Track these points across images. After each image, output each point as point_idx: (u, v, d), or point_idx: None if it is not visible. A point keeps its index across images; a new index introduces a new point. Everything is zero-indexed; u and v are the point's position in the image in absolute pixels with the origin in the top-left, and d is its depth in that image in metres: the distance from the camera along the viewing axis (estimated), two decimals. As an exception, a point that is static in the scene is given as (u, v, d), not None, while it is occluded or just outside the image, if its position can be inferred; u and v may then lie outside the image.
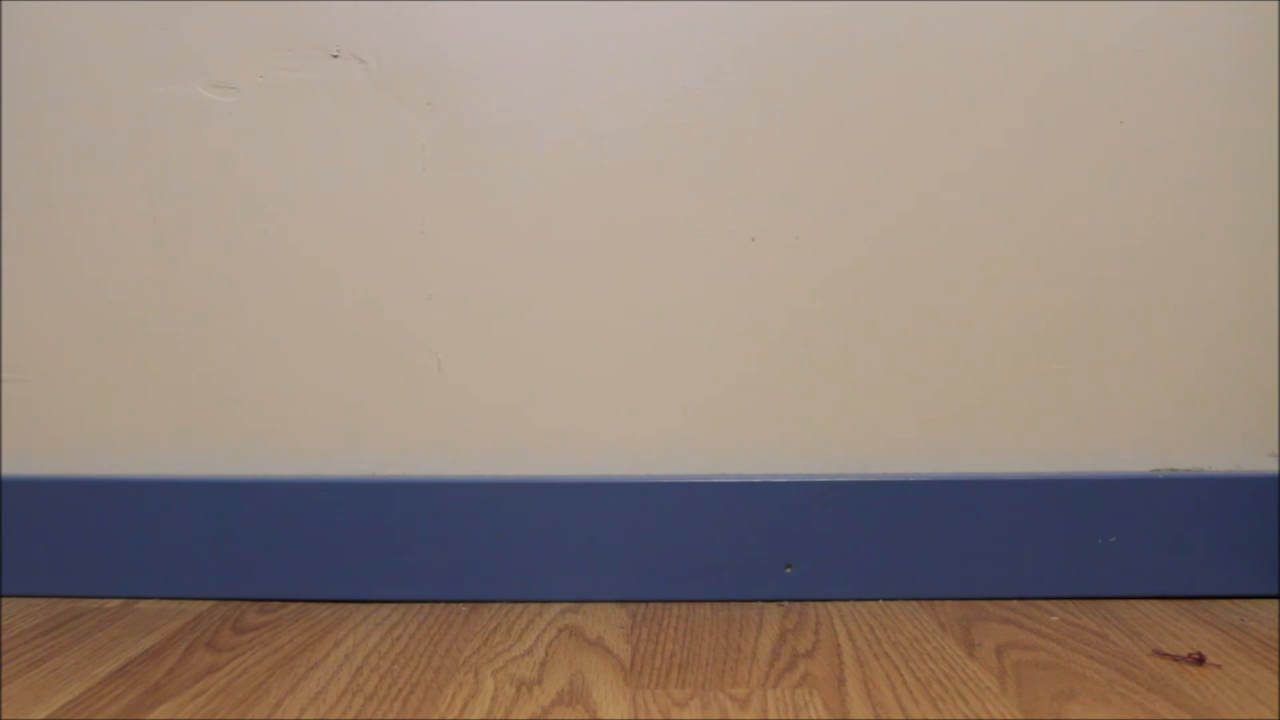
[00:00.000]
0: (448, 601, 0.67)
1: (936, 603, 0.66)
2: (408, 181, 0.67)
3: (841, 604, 0.66)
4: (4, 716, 0.51)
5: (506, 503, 0.66)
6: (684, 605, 0.66)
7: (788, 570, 0.66)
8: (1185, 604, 0.65)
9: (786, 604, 0.66)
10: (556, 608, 0.66)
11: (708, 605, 0.66)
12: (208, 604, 0.68)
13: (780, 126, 0.66)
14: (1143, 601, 0.66)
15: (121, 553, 0.68)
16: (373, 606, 0.67)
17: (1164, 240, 0.66)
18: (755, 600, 0.67)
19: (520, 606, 0.67)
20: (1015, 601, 0.66)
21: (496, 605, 0.67)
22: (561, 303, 0.67)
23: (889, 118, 0.65)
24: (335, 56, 0.66)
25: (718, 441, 0.68)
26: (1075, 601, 0.66)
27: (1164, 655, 0.57)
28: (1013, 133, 0.65)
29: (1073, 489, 0.66)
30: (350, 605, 0.67)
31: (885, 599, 0.67)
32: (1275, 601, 0.66)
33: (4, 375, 0.70)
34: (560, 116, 0.66)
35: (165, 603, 0.68)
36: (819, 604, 0.66)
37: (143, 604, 0.68)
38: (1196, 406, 0.67)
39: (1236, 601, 0.66)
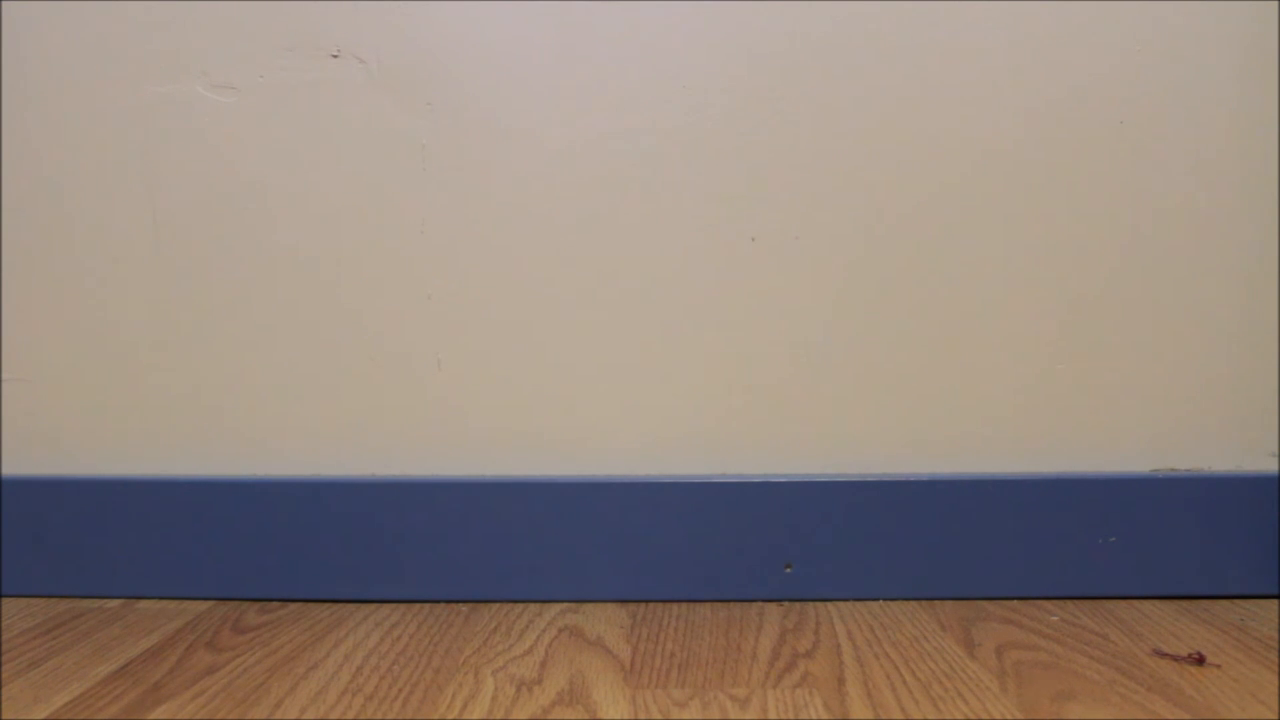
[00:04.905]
0: (448, 601, 0.67)
1: (936, 603, 0.66)
2: (408, 181, 0.67)
3: (841, 604, 0.66)
4: (4, 716, 0.51)
5: (506, 503, 0.66)
6: (684, 605, 0.66)
7: (788, 570, 0.66)
8: (1185, 604, 0.65)
9: (786, 604, 0.66)
10: (556, 608, 0.66)
11: (708, 605, 0.66)
12: (208, 604, 0.68)
13: (780, 126, 0.66)
14: (1143, 601, 0.66)
15: (121, 553, 0.68)
16: (373, 606, 0.67)
17: (1164, 240, 0.66)
18: (755, 600, 0.67)
19: (520, 606, 0.67)
20: (1015, 601, 0.66)
21: (496, 605, 0.67)
22: (561, 303, 0.67)
23: (888, 118, 0.65)
24: (335, 56, 0.66)
25: (717, 441, 0.68)
26: (1075, 601, 0.66)
27: (1164, 655, 0.57)
28: (1011, 133, 0.65)
29: (1073, 489, 0.66)
30: (350, 605, 0.67)
31: (885, 599, 0.67)
32: (1275, 601, 0.66)
33: (4, 375, 0.70)
34: (560, 116, 0.66)
35: (165, 603, 0.68)
36: (819, 604, 0.66)
37: (143, 604, 0.68)
38: (1196, 406, 0.67)
39: (1236, 601, 0.66)
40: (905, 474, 0.67)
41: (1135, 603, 0.66)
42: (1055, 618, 0.63)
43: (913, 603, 0.66)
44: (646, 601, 0.67)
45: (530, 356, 0.68)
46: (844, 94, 0.65)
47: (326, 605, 0.67)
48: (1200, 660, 0.56)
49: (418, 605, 0.67)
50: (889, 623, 0.62)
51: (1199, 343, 0.67)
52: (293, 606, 0.67)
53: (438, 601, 0.67)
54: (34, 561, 0.69)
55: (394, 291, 0.68)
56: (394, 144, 0.66)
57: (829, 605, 0.66)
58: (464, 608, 0.66)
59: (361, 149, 0.67)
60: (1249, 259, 0.66)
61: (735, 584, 0.67)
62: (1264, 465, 0.67)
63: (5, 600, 0.69)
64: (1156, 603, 0.66)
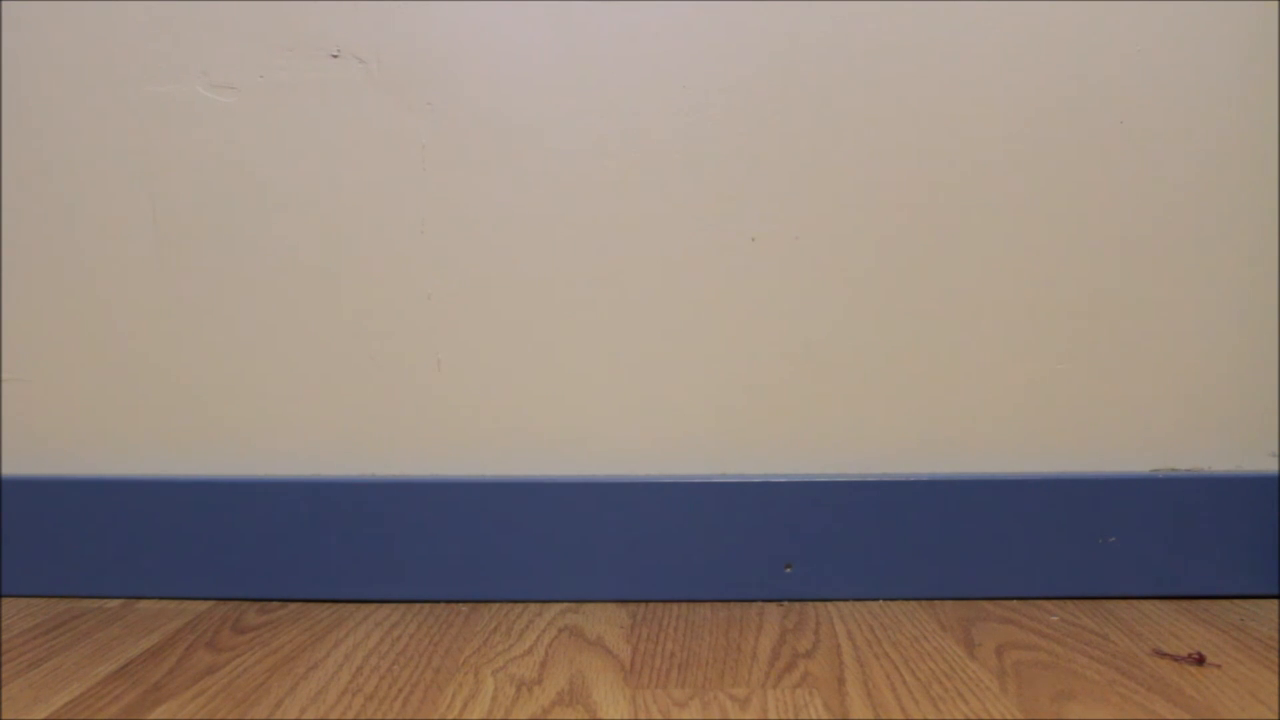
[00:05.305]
0: (448, 601, 0.67)
1: (936, 603, 0.66)
2: (408, 181, 0.67)
3: (841, 604, 0.66)
4: (4, 716, 0.51)
5: (506, 503, 0.66)
6: (684, 605, 0.66)
7: (788, 570, 0.66)
8: (1185, 604, 0.65)
9: (786, 604, 0.66)
10: (556, 608, 0.66)
11: (708, 605, 0.66)
12: (208, 604, 0.68)
13: (780, 126, 0.66)
14: (1143, 601, 0.66)
15: (121, 553, 0.68)
16: (373, 606, 0.67)
17: (1164, 240, 0.66)
18: (755, 600, 0.67)
19: (520, 606, 0.67)
20: (1015, 601, 0.66)
21: (496, 605, 0.67)
22: (561, 303, 0.67)
23: (889, 118, 0.65)
24: (335, 56, 0.66)
25: (717, 441, 0.68)
26: (1075, 601, 0.66)
27: (1164, 655, 0.57)
28: (1012, 134, 0.65)
29: (1073, 489, 0.66)
30: (350, 605, 0.67)
31: (885, 599, 0.67)
32: (1275, 601, 0.66)
33: (4, 375, 0.70)
34: (560, 117, 0.66)
35: (165, 603, 0.68)
36: (819, 604, 0.66)
37: (143, 604, 0.68)
38: (1196, 406, 0.67)
39: (1236, 601, 0.66)
40: (905, 474, 0.67)
41: (1135, 603, 0.66)
42: (1055, 618, 0.63)
43: (913, 603, 0.66)
44: (646, 601, 0.67)
45: (530, 356, 0.68)
46: (844, 94, 0.65)
47: (326, 605, 0.67)
48: (1200, 660, 0.56)
49: (418, 605, 0.67)
50: (889, 623, 0.62)
51: (1199, 343, 0.67)
52: (293, 606, 0.67)
53: (438, 601, 0.67)
54: (34, 561, 0.69)
55: (394, 291, 0.68)
56: (394, 144, 0.66)
57: (829, 605, 0.66)
58: (464, 608, 0.66)
59: (361, 149, 0.67)
60: (1249, 259, 0.66)
61: (735, 584, 0.67)
62: (1264, 465, 0.67)
63: (5, 600, 0.69)
64: (1156, 603, 0.66)
